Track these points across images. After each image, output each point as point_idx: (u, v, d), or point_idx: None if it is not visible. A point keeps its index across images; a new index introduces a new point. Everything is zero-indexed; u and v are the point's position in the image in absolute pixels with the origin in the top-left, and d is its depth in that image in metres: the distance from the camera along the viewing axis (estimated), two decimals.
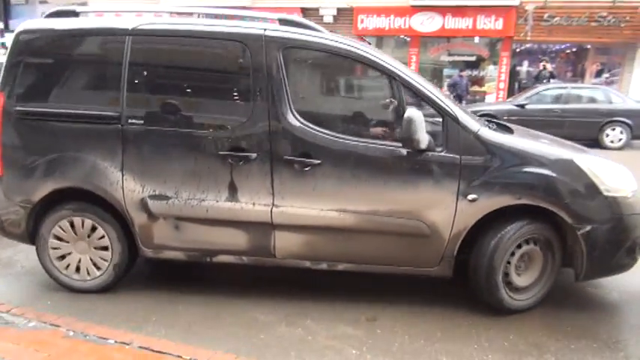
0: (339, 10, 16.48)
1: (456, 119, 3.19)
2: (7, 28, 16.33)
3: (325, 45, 3.30)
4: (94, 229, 3.44)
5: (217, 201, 3.27)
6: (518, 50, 16.93)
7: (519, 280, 3.34)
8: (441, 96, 3.32)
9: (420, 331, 3.15)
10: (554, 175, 3.17)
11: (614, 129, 11.43)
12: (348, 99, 4.27)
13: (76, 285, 3.52)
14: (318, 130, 3.20)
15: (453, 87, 14.51)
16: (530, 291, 3.38)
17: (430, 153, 3.14)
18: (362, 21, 16.53)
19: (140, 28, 3.33)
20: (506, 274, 3.28)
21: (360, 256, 3.37)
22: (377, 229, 3.24)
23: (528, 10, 15.11)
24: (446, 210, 3.17)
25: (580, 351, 2.96)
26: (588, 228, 3.17)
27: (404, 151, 3.15)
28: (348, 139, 3.22)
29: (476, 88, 16.47)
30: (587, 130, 11.39)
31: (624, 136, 11.39)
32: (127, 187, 3.31)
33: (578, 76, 16.47)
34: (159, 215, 3.34)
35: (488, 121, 3.80)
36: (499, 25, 15.60)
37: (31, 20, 3.61)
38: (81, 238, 3.46)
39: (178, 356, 2.68)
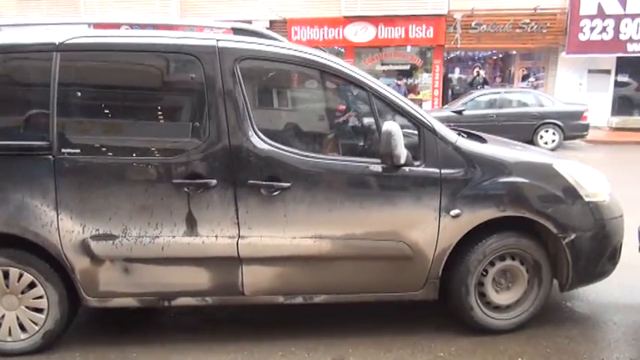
0: (271, 22, 16.25)
1: (433, 130, 2.98)
2: None
3: (287, 55, 2.99)
4: (31, 285, 2.91)
5: (174, 236, 2.87)
6: (448, 58, 17.41)
7: (499, 298, 3.16)
8: (415, 106, 3.10)
9: None
10: (536, 183, 3.04)
11: (547, 131, 11.88)
12: (315, 114, 3.94)
13: None
14: (285, 150, 2.90)
15: None
16: (513, 310, 3.19)
17: (408, 168, 2.92)
18: (295, 33, 16.40)
19: (70, 43, 2.85)
20: (482, 293, 3.11)
21: (338, 285, 3.07)
22: (356, 254, 2.97)
23: (456, 19, 15.59)
24: (428, 228, 2.96)
25: None
26: (573, 236, 3.04)
27: (379, 168, 2.91)
28: (318, 158, 2.95)
29: (412, 96, 16.71)
30: (522, 133, 11.69)
31: (557, 138, 11.86)
32: (64, 228, 2.83)
33: (507, 81, 17.15)
34: (104, 258, 2.88)
35: (456, 130, 3.62)
36: (430, 33, 15.96)
37: None
38: (12, 292, 2.90)
39: None
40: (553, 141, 11.84)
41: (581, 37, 14.99)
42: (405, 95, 14.90)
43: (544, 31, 15.41)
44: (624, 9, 14.67)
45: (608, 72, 15.83)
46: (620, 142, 13.30)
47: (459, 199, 2.95)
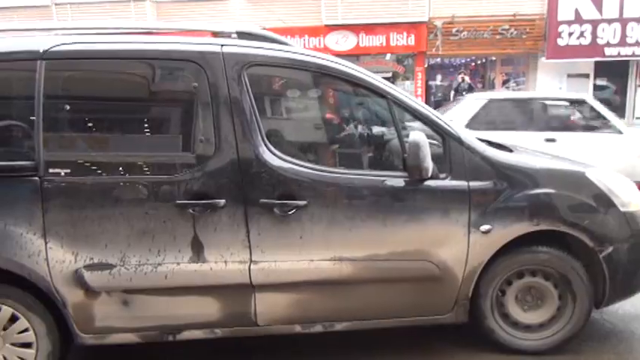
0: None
1: (459, 140, 2.81)
2: None
3: (299, 61, 2.76)
4: (13, 319, 2.56)
5: (178, 263, 2.61)
6: (428, 65, 17.36)
7: (527, 317, 2.98)
8: (439, 114, 2.88)
9: None
10: (570, 194, 2.89)
11: None
12: (331, 124, 3.67)
13: None
14: (299, 164, 2.68)
15: None
16: (548, 329, 2.98)
17: (433, 181, 2.74)
18: None
19: (56, 50, 2.57)
20: (505, 313, 2.96)
21: (361, 310, 2.85)
22: (379, 276, 2.77)
23: (437, 26, 15.57)
24: (457, 245, 2.77)
25: None
26: (610, 249, 2.85)
27: (402, 181, 2.72)
28: (336, 172, 2.75)
29: None
30: None
31: None
32: (54, 258, 2.53)
33: (488, 86, 17.18)
34: (100, 290, 2.60)
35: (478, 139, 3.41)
36: (411, 41, 15.90)
37: None
38: None
39: None
40: None
41: (560, 42, 15.08)
42: None
43: (523, 36, 15.47)
44: (601, 14, 14.81)
45: (587, 76, 15.95)
46: None
47: (489, 213, 2.77)
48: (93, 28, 3.25)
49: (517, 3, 15.30)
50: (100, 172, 2.59)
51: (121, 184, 2.57)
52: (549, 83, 15.84)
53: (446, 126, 2.82)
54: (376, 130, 3.30)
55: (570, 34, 15.03)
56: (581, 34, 15.00)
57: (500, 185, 2.80)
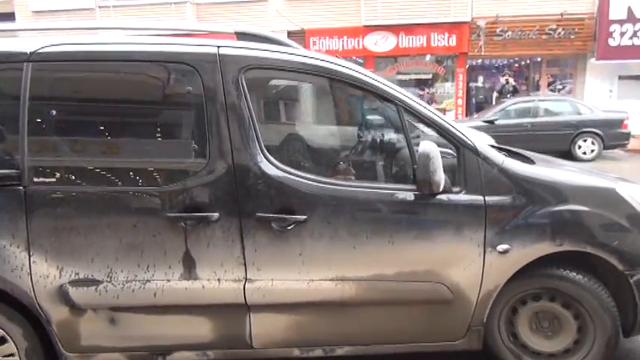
0: (289, 33, 15.83)
1: (474, 150, 2.57)
2: None
3: (300, 64, 2.55)
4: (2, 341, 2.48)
5: (169, 280, 2.46)
6: (469, 66, 16.92)
7: (542, 345, 2.75)
8: (453, 122, 2.67)
9: None
10: (598, 211, 2.61)
11: (585, 140, 11.33)
12: (334, 132, 3.43)
13: None
14: (299, 175, 2.49)
15: None
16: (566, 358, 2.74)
17: (445, 196, 2.52)
18: (314, 43, 16.00)
19: (44, 52, 2.44)
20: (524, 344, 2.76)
21: (365, 335, 2.66)
22: (385, 298, 2.58)
23: (480, 26, 15.12)
24: (471, 266, 2.55)
25: None
26: None
27: (412, 195, 2.51)
28: (339, 185, 2.54)
29: (434, 105, 16.24)
30: (558, 142, 11.26)
31: (596, 147, 11.30)
32: (37, 273, 2.41)
33: (532, 88, 16.61)
34: (86, 307, 2.47)
35: (497, 148, 3.16)
36: (452, 41, 15.50)
37: None
38: None
39: None
40: (592, 151, 11.29)
41: (611, 43, 14.44)
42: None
43: (572, 36, 14.87)
44: None
45: (639, 78, 15.25)
46: None
47: (507, 231, 2.53)
48: (90, 29, 3.22)
49: (565, 2, 14.72)
50: (87, 181, 2.47)
51: (109, 194, 2.43)
52: (599, 86, 15.19)
53: (460, 135, 2.58)
54: (384, 139, 3.08)
55: (622, 34, 14.37)
56: (634, 34, 14.33)
57: (519, 200, 2.55)
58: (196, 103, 2.45)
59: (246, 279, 2.48)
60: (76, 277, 2.43)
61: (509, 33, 15.11)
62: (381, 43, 15.84)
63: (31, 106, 2.38)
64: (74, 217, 2.41)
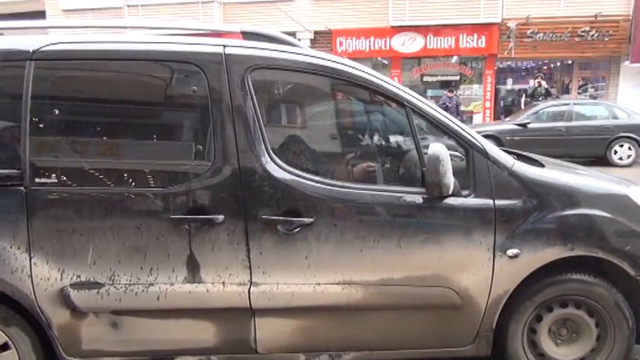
0: (316, 33, 15.79)
1: (484, 153, 2.54)
2: None
3: (307, 64, 2.52)
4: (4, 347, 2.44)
5: (172, 284, 2.42)
6: (497, 68, 16.67)
7: (560, 353, 2.68)
8: (462, 124, 2.64)
9: None
10: (610, 215, 2.57)
11: (622, 145, 11.02)
12: (341, 133, 3.35)
13: None
14: (306, 177, 2.45)
15: (444, 108, 13.88)
16: None
17: (454, 199, 2.48)
18: (341, 44, 15.93)
19: (47, 50, 2.39)
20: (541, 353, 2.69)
21: (372, 340, 2.61)
22: (393, 303, 2.53)
23: (511, 27, 14.86)
24: (480, 271, 2.51)
25: None
26: None
27: (420, 198, 2.48)
28: (346, 187, 2.49)
29: (462, 108, 16.00)
30: (594, 147, 11.01)
31: (633, 153, 10.99)
32: (38, 275, 2.37)
33: (563, 91, 16.28)
34: (87, 310, 2.43)
35: (506, 151, 3.11)
36: (482, 43, 15.30)
37: None
38: None
39: None
40: (629, 156, 10.98)
41: None
42: (457, 107, 14.20)
43: (606, 38, 14.56)
44: None
45: None
46: None
47: (517, 235, 2.50)
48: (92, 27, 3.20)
49: (599, 3, 14.42)
50: (89, 182, 2.40)
51: (112, 195, 2.39)
52: (632, 89, 14.83)
53: (470, 137, 2.54)
54: (393, 141, 3.03)
55: None
56: None
57: (530, 204, 2.51)
58: (201, 104, 2.42)
59: (251, 282, 2.44)
60: (78, 280, 2.39)
61: (540, 35, 14.85)
62: (408, 44, 15.68)
63: (33, 105, 2.35)
64: (76, 219, 2.38)
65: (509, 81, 17.00)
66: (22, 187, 2.34)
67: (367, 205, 2.48)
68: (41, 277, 2.37)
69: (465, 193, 2.49)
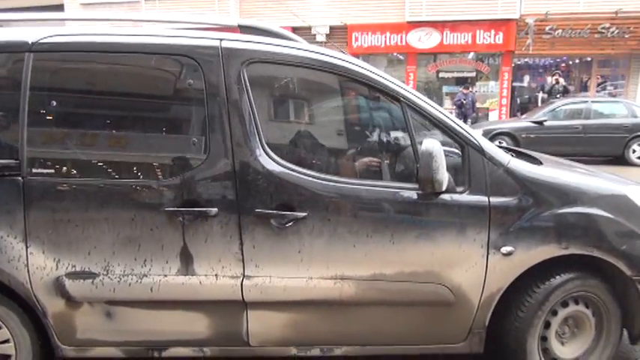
0: (331, 28, 15.75)
1: (480, 150, 2.53)
2: None
3: (304, 58, 2.53)
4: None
5: (165, 275, 2.44)
6: (514, 65, 16.48)
7: (563, 351, 2.69)
8: (458, 120, 2.66)
9: None
10: (607, 214, 2.55)
11: None
12: (336, 128, 3.35)
13: None
14: (300, 172, 2.46)
15: (460, 105, 13.78)
16: None
17: (449, 195, 2.47)
18: (356, 39, 15.87)
19: (46, 42, 2.42)
20: (545, 341, 2.68)
21: (363, 335, 2.62)
22: (385, 298, 2.54)
23: (529, 23, 14.67)
24: (473, 268, 2.51)
25: None
26: None
27: (414, 194, 2.47)
28: (340, 182, 2.50)
29: (478, 105, 15.86)
30: (611, 146, 10.86)
31: None
32: (34, 264, 2.41)
33: (581, 88, 16.05)
34: (82, 300, 2.46)
35: (505, 148, 3.09)
36: (499, 39, 15.12)
37: None
38: None
39: None
40: None
41: None
42: (473, 104, 14.09)
43: (626, 35, 14.30)
44: None
45: None
46: None
47: (511, 233, 2.49)
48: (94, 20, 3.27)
49: None
50: (85, 173, 2.44)
51: (108, 187, 2.41)
52: None
53: (465, 133, 2.54)
54: (388, 136, 3.02)
55: None
56: None
57: (525, 202, 2.50)
58: (197, 97, 2.44)
59: (243, 275, 2.45)
60: (73, 270, 2.43)
61: (559, 31, 14.63)
62: (424, 40, 15.57)
63: (31, 97, 2.38)
64: (72, 209, 2.41)
65: (526, 78, 16.81)
66: (20, 177, 2.37)
67: (361, 200, 2.48)
68: (37, 266, 2.41)
69: (459, 189, 2.50)
